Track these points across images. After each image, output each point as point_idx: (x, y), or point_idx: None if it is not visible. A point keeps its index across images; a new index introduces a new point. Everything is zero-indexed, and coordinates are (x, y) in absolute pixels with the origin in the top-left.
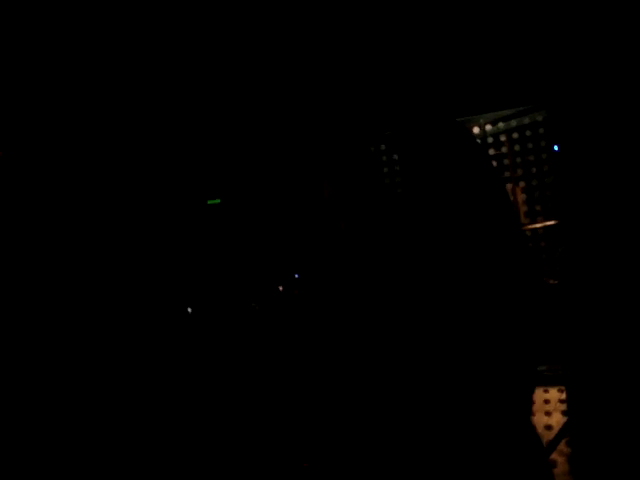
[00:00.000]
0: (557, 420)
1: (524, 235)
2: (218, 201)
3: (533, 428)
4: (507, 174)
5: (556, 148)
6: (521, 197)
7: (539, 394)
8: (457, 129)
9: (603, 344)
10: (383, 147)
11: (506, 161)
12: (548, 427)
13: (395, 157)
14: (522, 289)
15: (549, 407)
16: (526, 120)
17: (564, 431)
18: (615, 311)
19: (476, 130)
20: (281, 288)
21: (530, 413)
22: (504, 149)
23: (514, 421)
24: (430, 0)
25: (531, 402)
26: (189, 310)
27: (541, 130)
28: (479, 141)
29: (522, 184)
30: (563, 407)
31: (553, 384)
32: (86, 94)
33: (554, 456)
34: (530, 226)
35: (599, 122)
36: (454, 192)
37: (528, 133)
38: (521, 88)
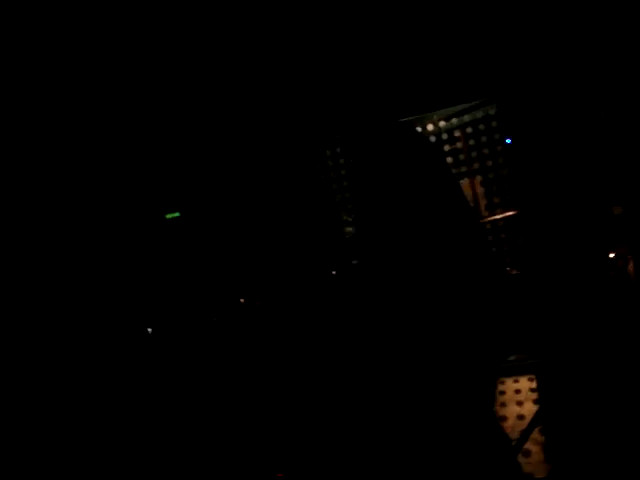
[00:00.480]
0: (529, 409)
1: (482, 228)
2: (177, 214)
3: (496, 420)
4: (464, 169)
5: (508, 140)
6: (480, 190)
7: (509, 384)
8: (405, 129)
9: (569, 331)
10: (339, 150)
11: (462, 156)
12: (520, 417)
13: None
14: (484, 282)
15: (520, 397)
16: (479, 114)
17: (536, 420)
18: (578, 298)
19: (430, 127)
20: (243, 300)
21: (493, 405)
22: (459, 144)
23: (477, 412)
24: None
25: (494, 394)
26: (149, 330)
27: (494, 123)
28: (434, 138)
29: (479, 177)
30: (534, 396)
31: (523, 373)
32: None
33: (528, 445)
34: (490, 218)
35: (550, 112)
36: (407, 191)
37: (482, 127)
38: (472, 83)
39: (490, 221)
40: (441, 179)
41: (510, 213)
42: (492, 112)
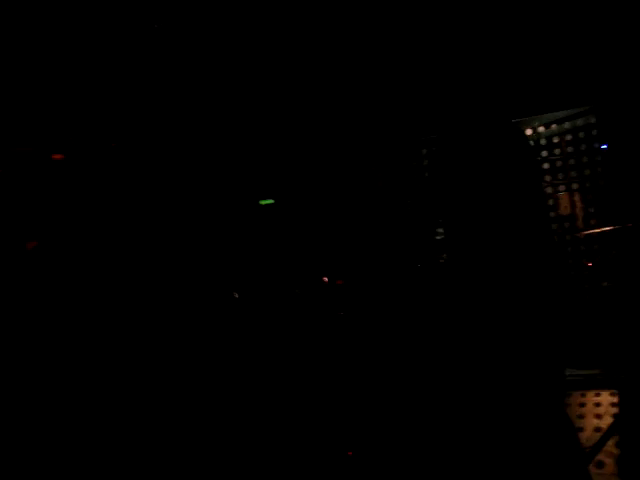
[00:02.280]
0: (607, 423)
1: (554, 242)
2: (271, 201)
3: (571, 427)
4: (560, 176)
5: (604, 146)
6: (579, 201)
7: (590, 397)
8: (512, 130)
9: None
10: (435, 149)
11: (559, 163)
12: (597, 429)
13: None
14: (547, 293)
15: (600, 410)
16: (580, 122)
17: (612, 432)
18: None
19: (529, 132)
20: (326, 279)
21: (562, 409)
22: (557, 151)
23: (547, 414)
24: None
25: (560, 398)
26: (236, 295)
27: (594, 132)
28: (532, 143)
29: (576, 186)
30: (614, 410)
31: (606, 387)
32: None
33: (602, 457)
34: (586, 232)
35: None
36: (496, 193)
37: (581, 135)
38: (574, 90)
39: (587, 234)
40: (531, 188)
41: (606, 228)
42: (593, 120)
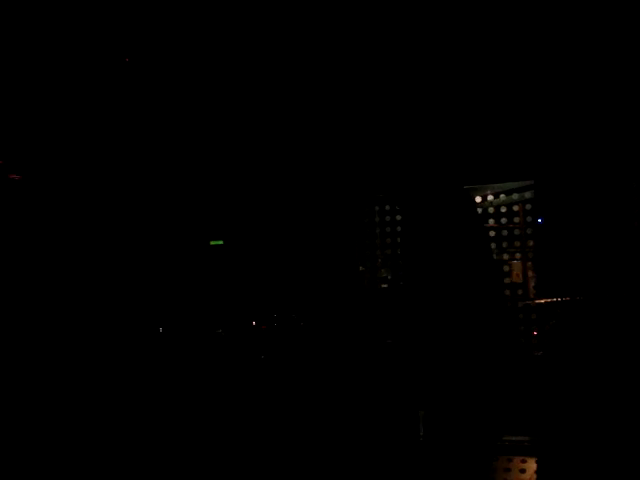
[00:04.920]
0: None
1: (506, 309)
2: (221, 242)
3: None
4: (505, 245)
5: (540, 221)
6: (528, 268)
7: (517, 463)
8: (463, 196)
9: (580, 419)
10: (387, 207)
11: (505, 232)
12: None
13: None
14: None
15: (524, 477)
16: (527, 195)
17: None
18: (595, 389)
19: (478, 199)
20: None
21: None
22: (503, 220)
23: None
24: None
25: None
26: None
27: (528, 206)
28: (480, 210)
29: (519, 256)
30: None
31: (533, 455)
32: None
33: None
34: (527, 302)
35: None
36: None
37: (528, 207)
38: (522, 164)
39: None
40: (478, 248)
41: (550, 300)
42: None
